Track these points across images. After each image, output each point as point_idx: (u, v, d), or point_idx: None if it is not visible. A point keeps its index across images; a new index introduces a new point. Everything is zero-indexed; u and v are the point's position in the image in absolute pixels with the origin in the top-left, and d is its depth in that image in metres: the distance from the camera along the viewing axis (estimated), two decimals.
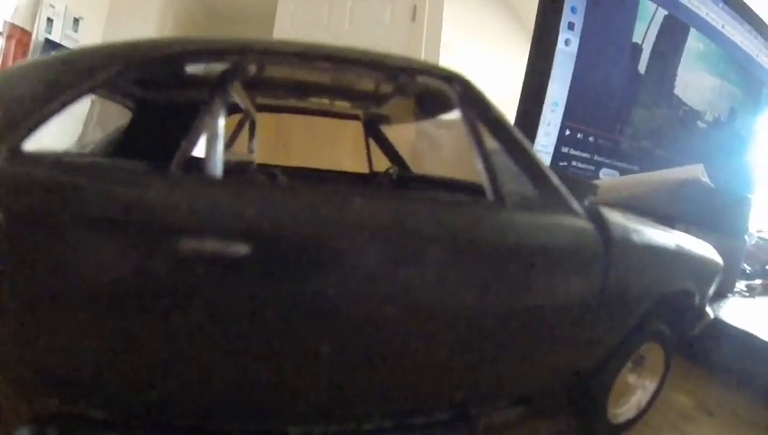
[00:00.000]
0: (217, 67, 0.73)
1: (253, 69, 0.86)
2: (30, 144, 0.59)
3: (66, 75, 0.64)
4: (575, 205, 0.83)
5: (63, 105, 0.62)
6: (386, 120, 1.39)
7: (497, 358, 0.79)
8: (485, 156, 0.75)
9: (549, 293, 0.78)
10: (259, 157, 1.41)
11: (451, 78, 0.78)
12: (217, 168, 0.63)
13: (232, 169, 0.66)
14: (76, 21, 3.01)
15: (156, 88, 1.01)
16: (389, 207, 0.68)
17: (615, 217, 0.90)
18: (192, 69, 0.80)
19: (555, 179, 0.82)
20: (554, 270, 0.78)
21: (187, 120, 0.66)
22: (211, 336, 0.62)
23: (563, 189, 0.83)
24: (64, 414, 0.66)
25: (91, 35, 3.05)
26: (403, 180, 1.41)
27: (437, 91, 0.80)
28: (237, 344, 0.63)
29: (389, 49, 0.78)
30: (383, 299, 0.66)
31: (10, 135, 0.58)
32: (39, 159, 0.58)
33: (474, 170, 0.78)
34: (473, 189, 0.81)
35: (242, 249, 0.58)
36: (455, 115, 0.82)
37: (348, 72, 0.79)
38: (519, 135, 0.81)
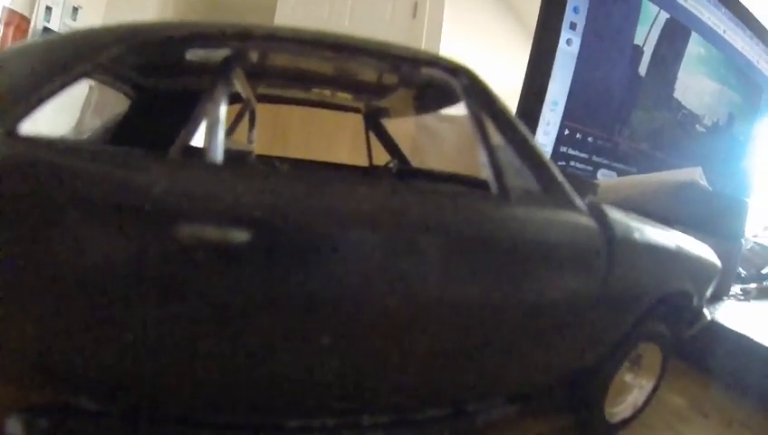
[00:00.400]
0: (218, 54, 0.72)
1: (255, 56, 0.85)
2: (26, 128, 0.58)
3: (65, 56, 0.63)
4: (578, 201, 0.83)
5: (61, 87, 0.60)
6: (387, 113, 1.38)
7: (496, 354, 0.79)
8: (490, 149, 0.74)
9: (551, 289, 0.78)
10: (257, 148, 1.40)
11: (456, 70, 0.77)
12: (218, 154, 0.62)
13: (231, 157, 0.65)
14: (75, 9, 2.98)
15: (156, 74, 1.00)
16: (393, 197, 0.67)
17: (617, 215, 0.90)
18: (192, 55, 0.79)
19: (559, 175, 0.82)
20: (557, 266, 0.78)
21: (187, 108, 0.65)
22: (207, 326, 0.61)
23: (567, 186, 0.82)
24: (56, 405, 0.65)
25: (89, 24, 3.02)
26: (403, 174, 1.40)
27: (441, 83, 0.79)
28: (235, 335, 0.62)
29: None
30: (383, 291, 0.65)
31: (6, 116, 0.56)
32: (35, 141, 0.57)
33: (475, 166, 0.77)
34: (474, 184, 0.80)
35: (241, 237, 0.57)
36: (457, 109, 0.81)
37: (351, 62, 0.78)
38: (524, 130, 0.80)
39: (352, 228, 0.63)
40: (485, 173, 0.75)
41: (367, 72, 0.94)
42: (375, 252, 0.64)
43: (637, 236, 0.91)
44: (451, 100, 0.92)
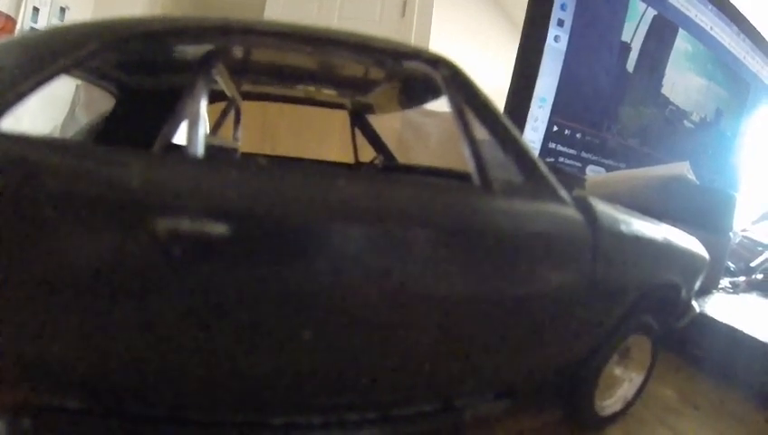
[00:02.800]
0: (200, 50, 0.71)
1: (237, 52, 0.85)
2: (6, 124, 0.57)
3: (42, 53, 0.62)
4: (563, 193, 0.83)
5: (39, 83, 0.60)
6: (372, 109, 1.37)
7: (482, 348, 0.78)
8: (472, 141, 0.74)
9: (535, 281, 0.78)
10: (246, 147, 1.40)
11: (438, 62, 0.76)
12: (199, 150, 0.61)
13: (215, 154, 0.64)
14: (62, 10, 2.96)
15: (139, 71, 0.99)
16: (373, 190, 0.67)
17: (603, 208, 0.90)
18: (175, 52, 0.78)
19: (544, 167, 0.82)
20: (541, 258, 0.77)
21: (172, 105, 0.64)
22: (189, 322, 0.60)
23: (552, 178, 0.82)
24: (39, 405, 0.64)
25: None
26: (388, 170, 1.40)
27: (424, 76, 0.79)
28: (218, 331, 0.62)
29: None
30: (366, 286, 0.65)
31: None
32: (15, 138, 0.56)
33: (461, 160, 0.77)
34: (459, 177, 0.80)
35: (221, 230, 0.57)
36: (441, 104, 0.81)
37: (332, 55, 0.77)
38: (507, 122, 0.80)
39: (331, 222, 0.63)
40: (468, 165, 0.75)
41: (349, 67, 0.94)
42: (356, 246, 0.64)
43: (623, 227, 0.91)
44: (435, 93, 0.91)
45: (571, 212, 0.82)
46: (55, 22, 2.93)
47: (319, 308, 0.64)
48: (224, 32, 0.69)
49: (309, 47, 0.72)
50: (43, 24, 2.85)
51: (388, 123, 1.61)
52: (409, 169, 1.36)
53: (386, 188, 0.68)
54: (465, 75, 0.77)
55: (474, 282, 0.72)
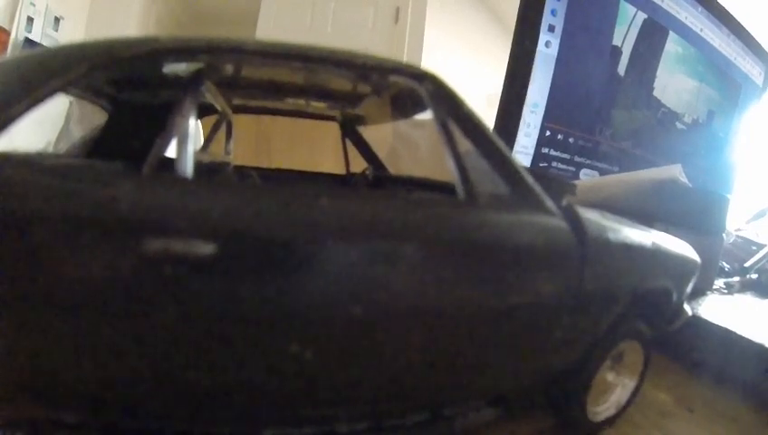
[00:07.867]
0: (190, 67, 0.72)
1: (226, 69, 0.86)
2: None
3: (35, 74, 0.63)
4: (549, 203, 0.83)
5: (32, 105, 0.60)
6: (362, 120, 1.38)
7: (471, 358, 0.79)
8: (456, 154, 0.75)
9: (522, 291, 0.78)
10: (240, 159, 1.41)
11: (421, 76, 0.77)
12: (188, 168, 0.62)
13: (206, 170, 0.65)
14: (57, 20, 2.97)
15: (131, 88, 1.00)
16: (359, 206, 0.68)
17: (591, 216, 0.91)
18: (167, 69, 0.79)
19: (529, 178, 0.82)
20: (527, 269, 0.78)
21: (163, 120, 0.65)
22: (180, 337, 0.61)
23: (537, 188, 0.83)
24: (33, 418, 0.65)
25: (71, 35, 3.01)
26: (379, 181, 1.41)
27: (411, 90, 0.80)
28: (208, 346, 0.62)
29: (372, 51, 0.78)
30: (353, 299, 0.65)
31: None
32: (5, 158, 0.57)
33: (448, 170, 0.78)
34: (449, 189, 0.81)
35: (210, 250, 0.58)
36: (430, 115, 0.82)
37: (318, 71, 0.78)
38: (492, 134, 0.80)
39: (319, 237, 0.64)
40: (453, 179, 0.75)
41: (336, 82, 0.95)
42: (344, 259, 0.65)
43: (611, 235, 0.91)
44: (421, 106, 0.93)
45: (557, 222, 0.83)
46: (50, 32, 2.94)
47: (307, 322, 0.65)
48: (210, 51, 0.70)
49: (293, 65, 0.73)
50: (37, 34, 2.86)
51: (380, 134, 1.62)
52: (399, 181, 1.37)
53: (372, 204, 0.69)
54: (448, 89, 0.78)
55: (459, 295, 0.73)
